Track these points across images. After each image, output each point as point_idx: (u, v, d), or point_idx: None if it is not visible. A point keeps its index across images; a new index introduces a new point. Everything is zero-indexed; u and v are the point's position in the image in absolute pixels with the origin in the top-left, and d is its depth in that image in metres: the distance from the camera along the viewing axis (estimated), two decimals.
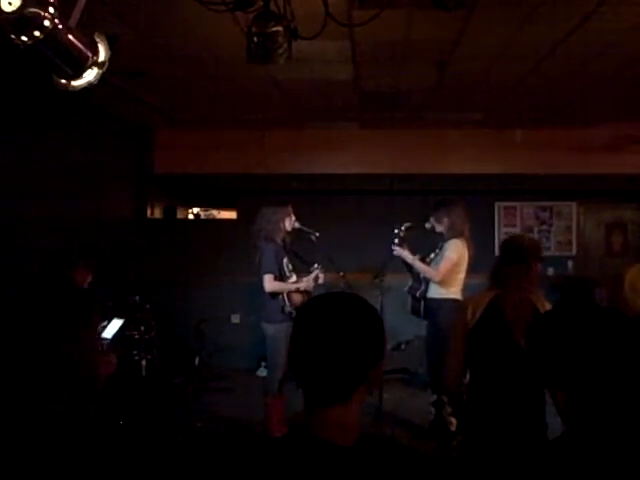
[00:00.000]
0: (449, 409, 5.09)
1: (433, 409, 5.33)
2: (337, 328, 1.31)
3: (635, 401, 1.42)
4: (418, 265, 5.21)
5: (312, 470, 1.25)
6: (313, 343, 1.32)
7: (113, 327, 5.08)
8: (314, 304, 1.41)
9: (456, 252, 5.07)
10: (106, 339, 4.81)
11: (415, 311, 5.39)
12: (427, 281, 5.26)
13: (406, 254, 5.23)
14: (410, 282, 5.41)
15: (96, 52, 2.66)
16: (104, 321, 4.93)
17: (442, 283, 5.12)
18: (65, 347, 1.55)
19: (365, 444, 1.31)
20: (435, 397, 5.31)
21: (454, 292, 5.09)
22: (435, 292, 5.19)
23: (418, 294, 5.29)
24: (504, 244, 3.29)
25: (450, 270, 5.07)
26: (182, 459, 4.74)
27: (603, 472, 1.32)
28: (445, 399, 5.20)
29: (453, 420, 5.10)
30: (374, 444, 1.32)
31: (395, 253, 5.28)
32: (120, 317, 5.25)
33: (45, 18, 2.22)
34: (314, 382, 1.33)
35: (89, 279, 4.27)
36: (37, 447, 1.47)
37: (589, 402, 1.40)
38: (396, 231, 5.28)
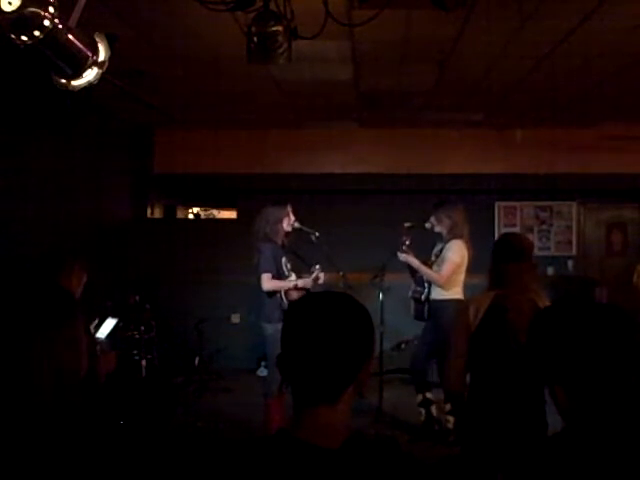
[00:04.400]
0: (446, 407, 5.10)
1: (423, 410, 5.30)
2: (326, 327, 1.30)
3: (635, 398, 1.42)
4: (424, 270, 5.20)
5: (292, 472, 1.23)
6: (301, 342, 1.31)
7: (107, 326, 5.04)
8: (303, 303, 1.41)
9: (458, 254, 5.08)
10: (100, 339, 4.77)
11: (419, 316, 5.34)
12: (429, 283, 5.25)
13: (412, 260, 5.25)
14: (412, 286, 5.39)
15: (96, 52, 2.65)
16: (94, 321, 4.87)
17: (444, 285, 5.13)
18: (38, 350, 1.53)
19: (352, 447, 1.28)
20: (420, 397, 5.30)
21: (456, 292, 5.11)
22: (438, 293, 5.18)
23: (422, 298, 5.28)
24: (502, 242, 3.23)
25: (453, 272, 5.08)
26: (182, 459, 4.73)
27: (602, 469, 1.32)
28: (430, 396, 5.24)
29: (450, 418, 5.11)
30: (362, 447, 1.30)
31: (401, 259, 5.29)
32: (114, 316, 5.20)
33: (45, 18, 2.22)
34: (302, 382, 1.31)
35: (84, 279, 4.09)
36: (28, 448, 1.45)
37: (588, 398, 1.40)
38: (403, 238, 5.29)
